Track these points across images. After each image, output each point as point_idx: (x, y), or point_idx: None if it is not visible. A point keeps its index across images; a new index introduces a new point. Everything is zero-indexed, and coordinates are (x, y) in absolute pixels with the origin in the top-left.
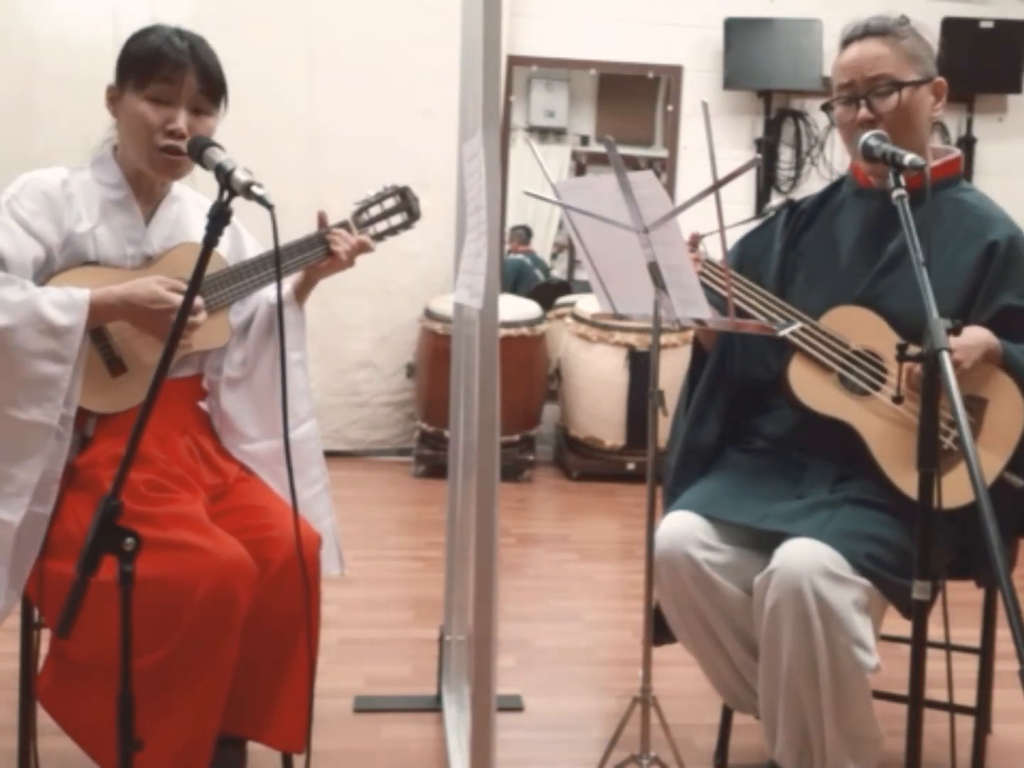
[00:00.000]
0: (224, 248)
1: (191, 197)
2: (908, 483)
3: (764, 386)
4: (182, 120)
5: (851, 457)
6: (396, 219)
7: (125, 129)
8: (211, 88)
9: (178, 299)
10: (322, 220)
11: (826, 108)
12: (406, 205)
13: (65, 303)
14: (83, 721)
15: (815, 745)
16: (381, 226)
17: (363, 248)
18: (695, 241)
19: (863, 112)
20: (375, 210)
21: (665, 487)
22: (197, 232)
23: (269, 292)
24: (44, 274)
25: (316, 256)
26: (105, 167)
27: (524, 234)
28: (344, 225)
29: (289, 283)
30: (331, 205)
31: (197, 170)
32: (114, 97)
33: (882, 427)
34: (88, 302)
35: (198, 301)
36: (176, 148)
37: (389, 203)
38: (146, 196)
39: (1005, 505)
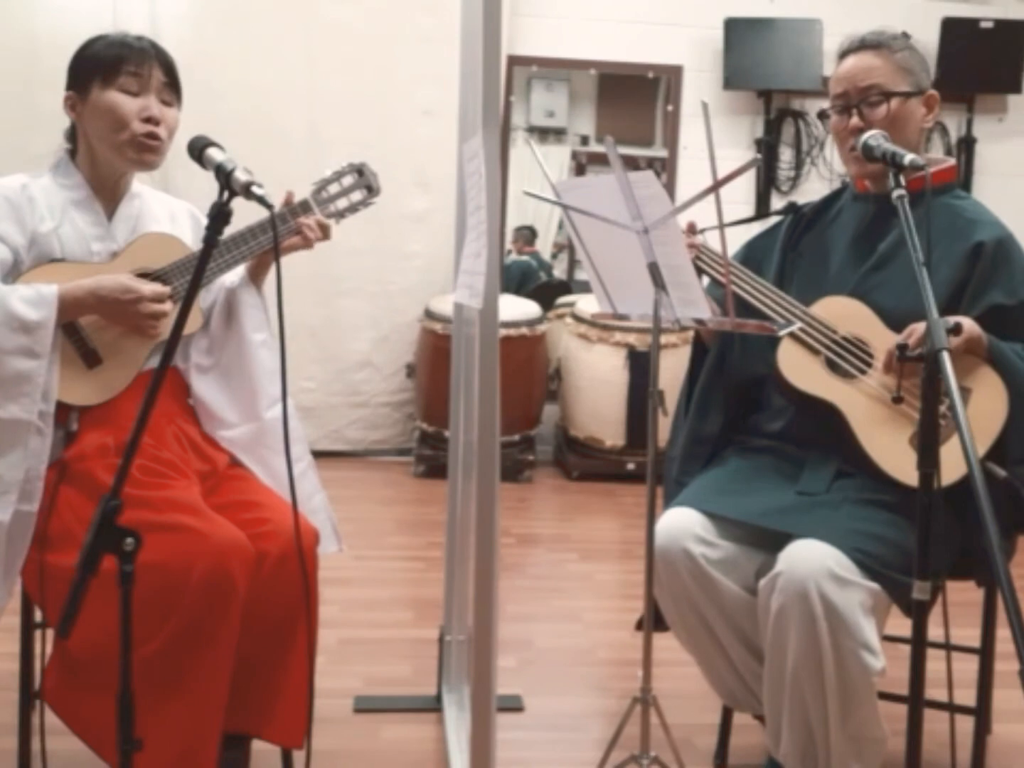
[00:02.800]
0: (188, 238)
1: (150, 193)
2: (891, 464)
3: (763, 382)
4: (156, 108)
5: (848, 454)
6: (356, 195)
7: (96, 125)
8: (173, 80)
9: (146, 288)
10: (288, 199)
11: (822, 116)
12: (365, 181)
13: (34, 299)
14: (89, 719)
15: (819, 746)
16: (341, 203)
17: (326, 230)
18: (692, 229)
19: (854, 120)
20: (334, 188)
21: (669, 479)
22: (159, 226)
23: (228, 277)
24: (13, 276)
25: (280, 236)
26: (64, 170)
27: (529, 234)
28: (305, 204)
29: (244, 267)
30: None
31: (196, 169)
32: (75, 103)
33: (866, 409)
34: (57, 296)
35: (165, 290)
36: (155, 134)
37: (347, 180)
38: (107, 195)
39: (992, 496)
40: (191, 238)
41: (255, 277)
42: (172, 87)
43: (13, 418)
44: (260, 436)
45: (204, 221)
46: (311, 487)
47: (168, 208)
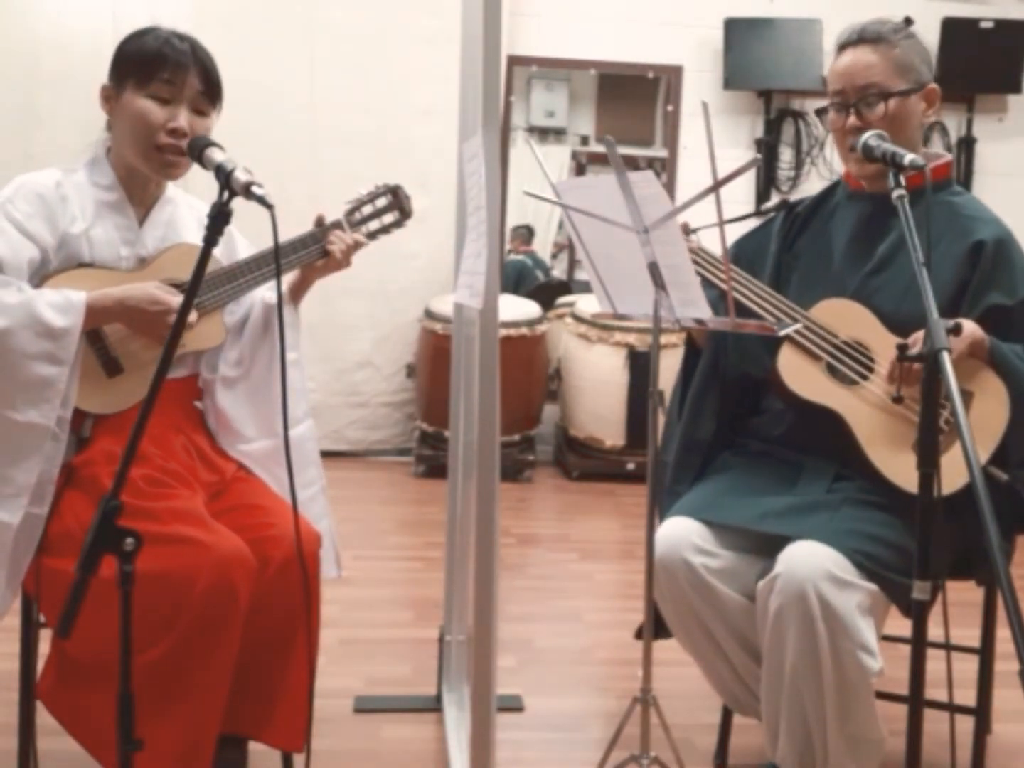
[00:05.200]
0: (217, 249)
1: (184, 199)
2: (895, 472)
3: (758, 385)
4: (184, 119)
5: (847, 458)
6: (388, 218)
7: (124, 127)
8: (210, 89)
9: (175, 301)
10: (319, 222)
11: (820, 113)
12: (398, 204)
13: (62, 305)
14: (86, 721)
15: (817, 748)
16: (373, 225)
17: (358, 247)
18: (686, 230)
19: (852, 120)
20: (367, 209)
21: (664, 486)
22: (190, 234)
23: (263, 292)
24: (39, 275)
25: (311, 255)
26: (99, 168)
27: (527, 233)
28: (337, 224)
29: (285, 283)
30: (331, 205)
31: (194, 169)
32: (109, 96)
33: (869, 415)
34: (85, 304)
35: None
36: (178, 147)
37: (381, 202)
38: (139, 198)
39: (994, 499)
40: (221, 248)
41: (295, 295)
42: (208, 95)
43: (31, 423)
44: (278, 454)
45: (234, 231)
46: (320, 511)
47: (199, 215)
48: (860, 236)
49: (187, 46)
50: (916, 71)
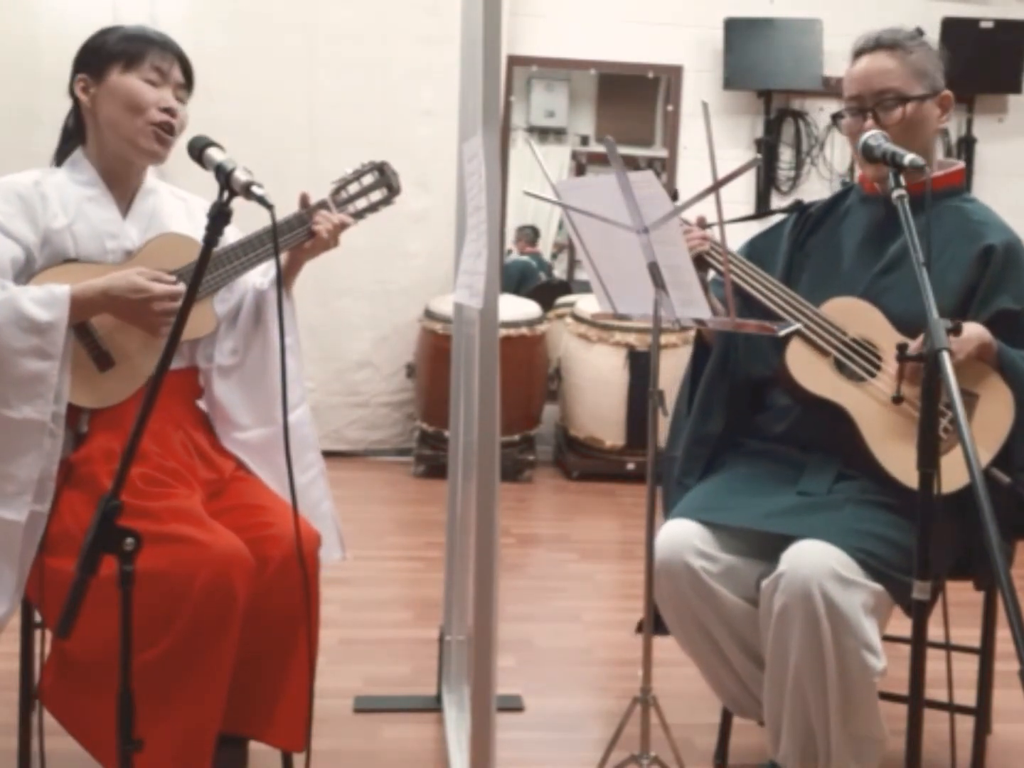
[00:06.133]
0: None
1: (164, 188)
2: (899, 468)
3: (765, 383)
4: (173, 101)
5: (850, 456)
6: (376, 195)
7: (111, 109)
8: (189, 79)
9: (158, 288)
10: (304, 202)
11: (836, 117)
12: (385, 181)
13: (46, 300)
14: (86, 721)
15: (820, 747)
16: (361, 203)
17: (344, 226)
18: (702, 223)
19: (869, 124)
20: (354, 187)
21: (670, 478)
22: (174, 222)
23: (254, 278)
24: (26, 274)
25: (298, 237)
26: (78, 166)
27: (532, 234)
28: (323, 204)
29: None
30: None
31: (195, 170)
32: (88, 85)
33: (875, 412)
34: (69, 297)
35: (177, 288)
36: (170, 125)
37: (367, 179)
38: (121, 190)
39: (995, 500)
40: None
41: (286, 279)
42: (186, 87)
43: (27, 419)
44: (275, 441)
45: None
46: (320, 494)
47: (185, 205)
48: (872, 237)
49: (168, 38)
50: (932, 77)
